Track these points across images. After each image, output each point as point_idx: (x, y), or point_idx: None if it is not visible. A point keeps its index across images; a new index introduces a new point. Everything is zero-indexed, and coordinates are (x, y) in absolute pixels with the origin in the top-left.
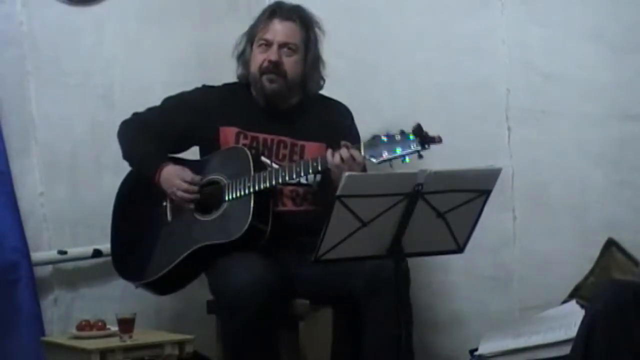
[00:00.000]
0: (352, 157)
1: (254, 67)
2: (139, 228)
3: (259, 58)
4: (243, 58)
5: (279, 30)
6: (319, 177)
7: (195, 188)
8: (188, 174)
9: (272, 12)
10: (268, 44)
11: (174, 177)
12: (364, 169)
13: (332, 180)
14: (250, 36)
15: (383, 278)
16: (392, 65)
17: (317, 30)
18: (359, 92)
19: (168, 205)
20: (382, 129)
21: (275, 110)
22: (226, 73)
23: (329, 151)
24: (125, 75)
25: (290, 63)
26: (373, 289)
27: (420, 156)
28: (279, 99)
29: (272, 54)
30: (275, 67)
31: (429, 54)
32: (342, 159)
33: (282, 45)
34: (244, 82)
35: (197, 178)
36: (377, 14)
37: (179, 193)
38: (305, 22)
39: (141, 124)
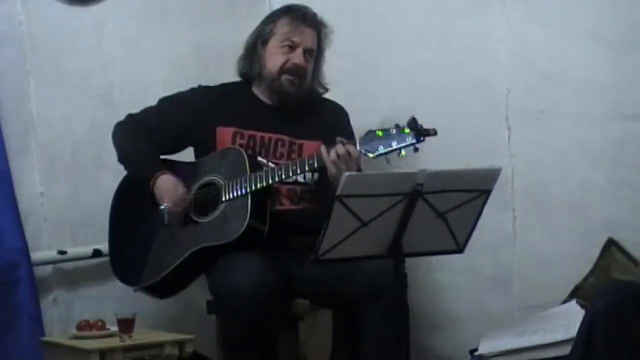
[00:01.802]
0: (349, 153)
1: (274, 66)
2: (137, 231)
3: (281, 58)
4: (254, 54)
5: (308, 35)
6: (316, 175)
7: (184, 206)
8: (179, 191)
9: (302, 17)
10: (293, 47)
11: (164, 193)
12: (359, 166)
13: (329, 179)
14: (266, 34)
15: (382, 282)
16: (392, 65)
17: (326, 40)
18: (359, 92)
19: None
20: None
21: (274, 109)
22: (226, 73)
23: (323, 148)
24: (125, 75)
25: (309, 67)
26: (372, 293)
27: (416, 149)
28: (292, 99)
29: (299, 58)
30: (299, 71)
31: (429, 54)
32: (338, 155)
33: (306, 51)
34: (246, 79)
35: (188, 198)
36: (378, 14)
37: (169, 206)
38: (323, 32)
39: (136, 127)
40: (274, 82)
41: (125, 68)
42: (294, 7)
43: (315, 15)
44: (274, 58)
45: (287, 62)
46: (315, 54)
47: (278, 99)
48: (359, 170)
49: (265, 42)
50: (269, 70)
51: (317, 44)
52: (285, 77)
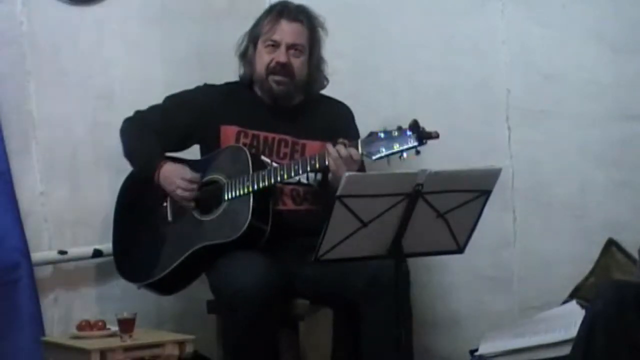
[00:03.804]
0: (350, 156)
1: (260, 67)
2: (140, 229)
3: (265, 58)
4: (245, 57)
5: (287, 31)
6: (319, 176)
7: (195, 186)
8: (187, 172)
9: (279, 13)
10: (276, 45)
11: (174, 176)
12: (362, 166)
13: (329, 181)
14: (254, 35)
15: (383, 280)
16: (392, 66)
17: (320, 30)
18: (359, 93)
19: (168, 205)
20: (382, 127)
21: (277, 109)
22: (226, 73)
23: (330, 146)
24: (125, 75)
25: (298, 64)
26: (373, 291)
27: (418, 152)
28: (285, 99)
29: (281, 56)
30: (283, 69)
31: (429, 54)
32: (339, 154)
33: (290, 47)
34: (246, 81)
35: (197, 176)
36: (378, 15)
37: (179, 191)
38: (310, 22)
39: (143, 123)
40: (262, 83)
41: (125, 68)
42: (276, 4)
43: (296, 8)
44: (260, 59)
45: (271, 61)
46: (306, 47)
47: (270, 99)
48: (362, 170)
49: (254, 45)
50: (258, 71)
51: (305, 36)
52: (271, 78)
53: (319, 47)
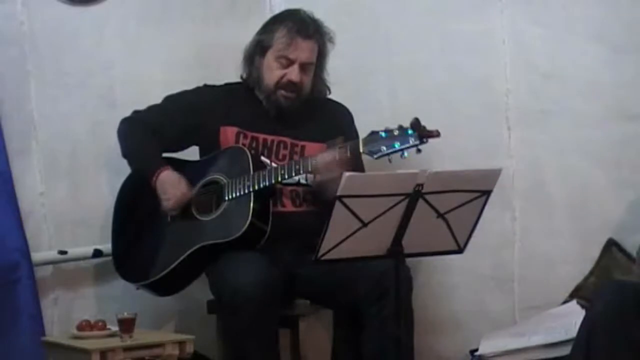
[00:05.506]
0: (334, 160)
1: (270, 80)
2: (140, 229)
3: (277, 73)
4: (251, 62)
5: (303, 49)
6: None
7: (185, 201)
8: (182, 187)
9: (297, 31)
10: (290, 62)
11: (169, 185)
12: (360, 164)
13: (319, 185)
14: (265, 44)
15: (386, 284)
16: (392, 66)
17: (328, 44)
18: (359, 93)
19: None
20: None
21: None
22: (226, 73)
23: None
24: (125, 75)
25: (306, 80)
26: (376, 295)
27: (419, 150)
28: (288, 111)
29: (294, 74)
30: (295, 86)
31: (429, 54)
32: (325, 161)
33: (303, 65)
34: (246, 84)
35: (189, 194)
36: (377, 15)
37: (165, 202)
38: (322, 39)
39: (141, 123)
40: (270, 95)
41: (125, 68)
42: (292, 17)
43: (314, 23)
44: (270, 72)
45: (282, 77)
46: (315, 63)
47: (275, 110)
48: (360, 169)
49: (263, 53)
50: (266, 83)
51: (316, 54)
52: (280, 92)
53: (325, 60)
